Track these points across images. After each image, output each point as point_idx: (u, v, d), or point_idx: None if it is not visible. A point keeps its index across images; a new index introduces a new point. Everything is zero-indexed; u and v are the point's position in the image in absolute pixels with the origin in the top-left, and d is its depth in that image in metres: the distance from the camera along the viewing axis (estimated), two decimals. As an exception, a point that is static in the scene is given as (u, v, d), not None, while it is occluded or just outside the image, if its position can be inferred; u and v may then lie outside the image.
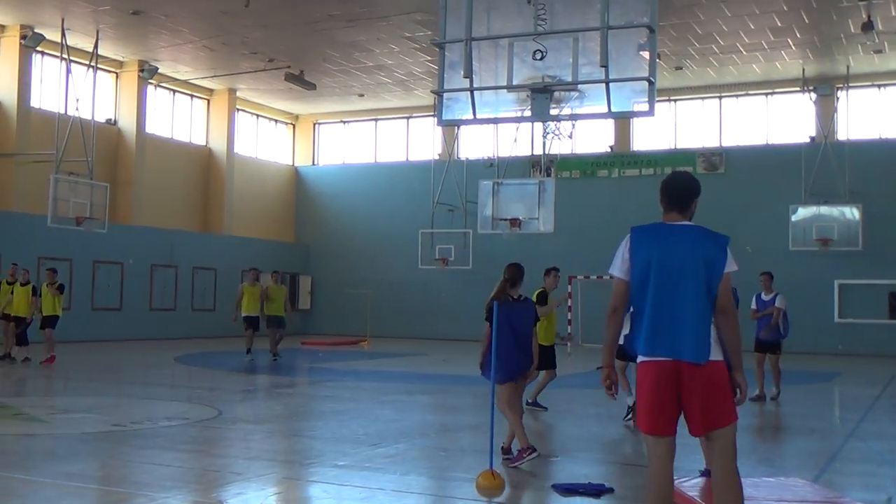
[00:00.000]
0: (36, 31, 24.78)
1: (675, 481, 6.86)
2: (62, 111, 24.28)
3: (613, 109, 8.19)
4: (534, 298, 11.99)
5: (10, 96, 25.24)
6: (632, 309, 4.91)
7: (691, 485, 6.78)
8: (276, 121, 35.74)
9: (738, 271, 4.91)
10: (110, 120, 28.62)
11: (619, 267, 4.92)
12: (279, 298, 20.19)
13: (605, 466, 8.77)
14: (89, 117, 24.68)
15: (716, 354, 4.72)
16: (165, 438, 9.41)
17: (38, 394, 14.11)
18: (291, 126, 36.48)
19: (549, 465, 8.50)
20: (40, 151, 24.58)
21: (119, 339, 26.34)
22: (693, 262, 4.75)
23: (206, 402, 12.80)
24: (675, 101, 30.31)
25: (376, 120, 35.01)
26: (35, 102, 25.99)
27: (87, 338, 25.36)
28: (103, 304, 26.98)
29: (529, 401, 11.81)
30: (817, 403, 15.12)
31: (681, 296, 4.73)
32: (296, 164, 36.45)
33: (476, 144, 32.05)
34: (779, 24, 23.57)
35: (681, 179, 5.06)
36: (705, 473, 7.20)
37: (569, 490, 6.99)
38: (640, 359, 4.82)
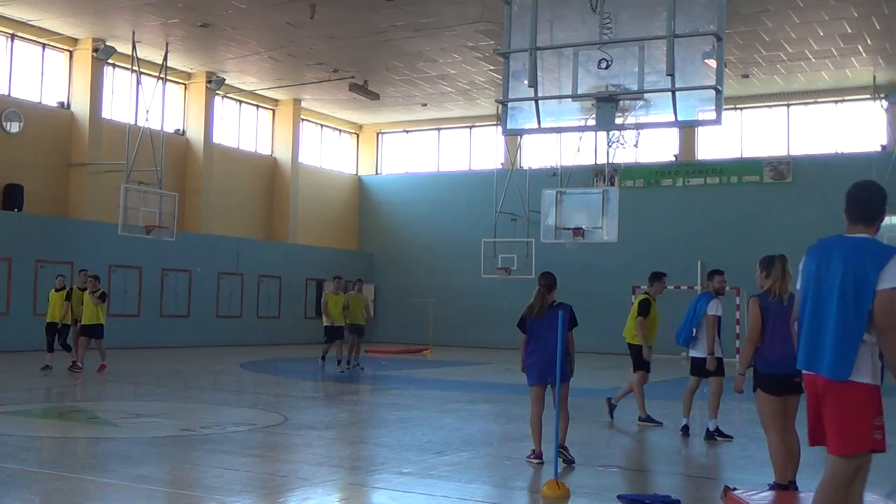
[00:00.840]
0: (107, 44, 25.39)
1: (741, 493, 6.80)
2: (132, 122, 24.80)
3: (679, 118, 8.11)
4: (636, 305, 11.94)
5: (82, 108, 25.88)
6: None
7: (760, 498, 6.69)
8: (340, 130, 36.11)
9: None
10: (179, 130, 29.22)
11: (798, 279, 4.97)
12: (360, 307, 20.03)
13: (671, 478, 8.69)
14: (158, 128, 25.20)
15: (861, 376, 4.56)
16: (233, 443, 9.58)
17: (111, 399, 14.43)
18: (355, 135, 36.81)
19: (614, 475, 8.46)
20: (111, 161, 25.17)
21: (187, 345, 26.82)
22: (842, 276, 4.61)
23: (273, 408, 12.99)
24: (741, 109, 29.92)
25: (439, 129, 35.16)
26: (106, 114, 26.57)
27: (156, 344, 25.88)
28: (172, 311, 27.48)
29: (642, 417, 11.80)
30: (889, 416, 14.74)
31: (826, 310, 4.66)
32: (359, 174, 36.77)
33: (539, 153, 31.98)
34: (849, 31, 23.12)
35: (863, 187, 4.82)
36: (773, 487, 7.09)
37: (635, 501, 6.95)
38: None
